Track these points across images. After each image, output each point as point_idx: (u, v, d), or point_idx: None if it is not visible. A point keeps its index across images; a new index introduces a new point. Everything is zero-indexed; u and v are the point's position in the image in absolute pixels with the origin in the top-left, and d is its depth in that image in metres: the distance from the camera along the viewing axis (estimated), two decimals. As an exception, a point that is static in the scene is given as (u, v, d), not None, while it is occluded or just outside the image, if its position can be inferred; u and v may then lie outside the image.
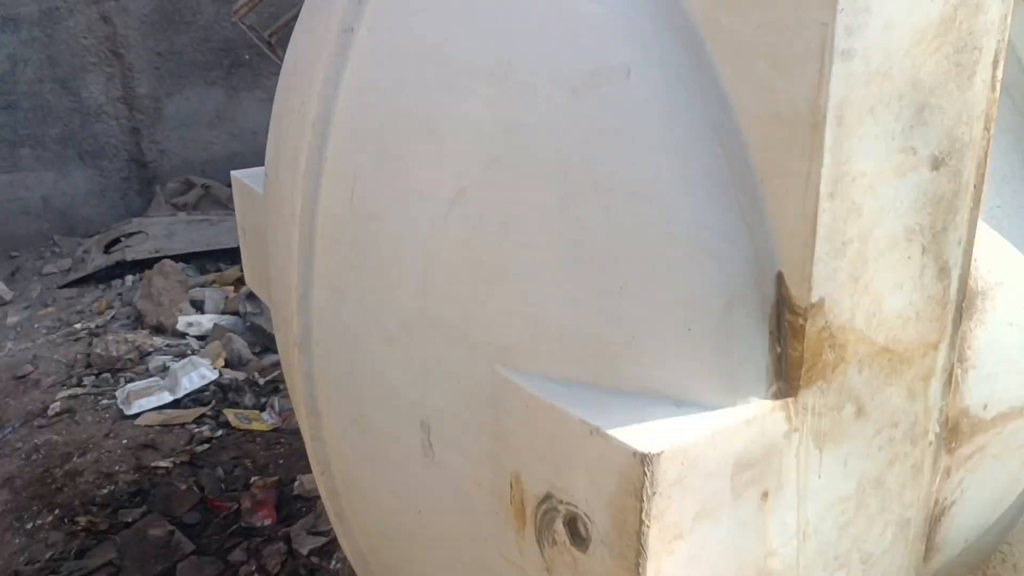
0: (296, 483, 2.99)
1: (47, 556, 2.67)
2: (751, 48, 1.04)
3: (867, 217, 1.07)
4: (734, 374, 1.10)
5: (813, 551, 1.22)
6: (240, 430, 3.22)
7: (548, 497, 1.15)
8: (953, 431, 1.31)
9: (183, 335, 4.08)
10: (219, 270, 5.18)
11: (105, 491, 2.93)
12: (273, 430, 3.38)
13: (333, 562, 2.54)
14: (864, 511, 1.25)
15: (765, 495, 1.13)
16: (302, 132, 1.51)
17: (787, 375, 1.11)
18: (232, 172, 2.20)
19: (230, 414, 3.31)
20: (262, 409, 3.54)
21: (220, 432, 3.25)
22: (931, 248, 1.15)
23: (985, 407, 1.34)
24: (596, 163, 1.13)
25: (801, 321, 1.07)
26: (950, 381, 1.26)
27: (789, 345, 1.10)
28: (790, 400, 1.11)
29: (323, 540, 2.59)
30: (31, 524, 2.83)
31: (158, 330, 4.14)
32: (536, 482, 1.16)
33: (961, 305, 1.22)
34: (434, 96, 1.27)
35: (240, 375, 3.83)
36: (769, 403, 1.10)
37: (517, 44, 1.21)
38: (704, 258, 1.09)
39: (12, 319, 4.67)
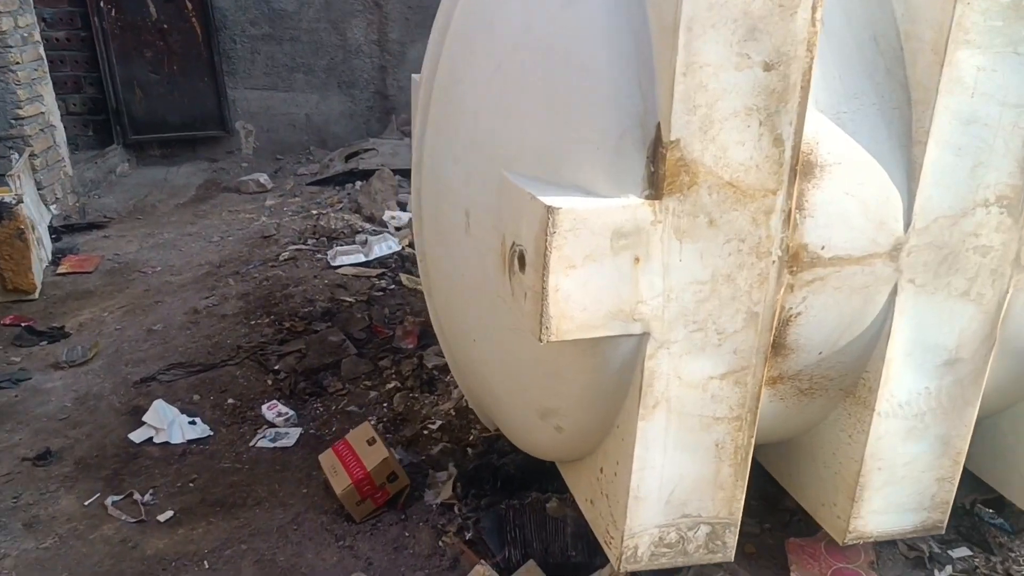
0: (434, 324, 3.90)
1: (260, 340, 3.77)
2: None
3: (712, 92, 1.77)
4: (621, 179, 1.83)
5: (675, 311, 1.92)
6: (407, 287, 4.19)
7: (513, 244, 1.94)
8: (795, 258, 1.95)
9: (385, 224, 5.14)
10: (429, 189, 6.24)
11: (306, 310, 4.01)
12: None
13: (448, 376, 3.42)
14: (717, 295, 1.94)
15: (637, 260, 1.86)
16: (435, 36, 2.38)
17: (655, 185, 1.83)
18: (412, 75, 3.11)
19: (404, 276, 4.30)
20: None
21: (392, 287, 4.24)
22: (767, 123, 1.82)
23: (823, 248, 1.96)
24: (567, 48, 1.90)
25: (663, 151, 1.80)
26: (789, 221, 1.91)
27: (658, 166, 1.82)
28: (657, 202, 1.82)
29: (444, 360, 3.47)
30: (254, 322, 3.95)
31: (369, 219, 5.24)
32: (509, 237, 1.96)
33: (795, 168, 1.86)
34: (491, 9, 2.10)
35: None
36: (641, 200, 1.82)
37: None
38: (612, 108, 1.83)
39: (269, 202, 5.98)
